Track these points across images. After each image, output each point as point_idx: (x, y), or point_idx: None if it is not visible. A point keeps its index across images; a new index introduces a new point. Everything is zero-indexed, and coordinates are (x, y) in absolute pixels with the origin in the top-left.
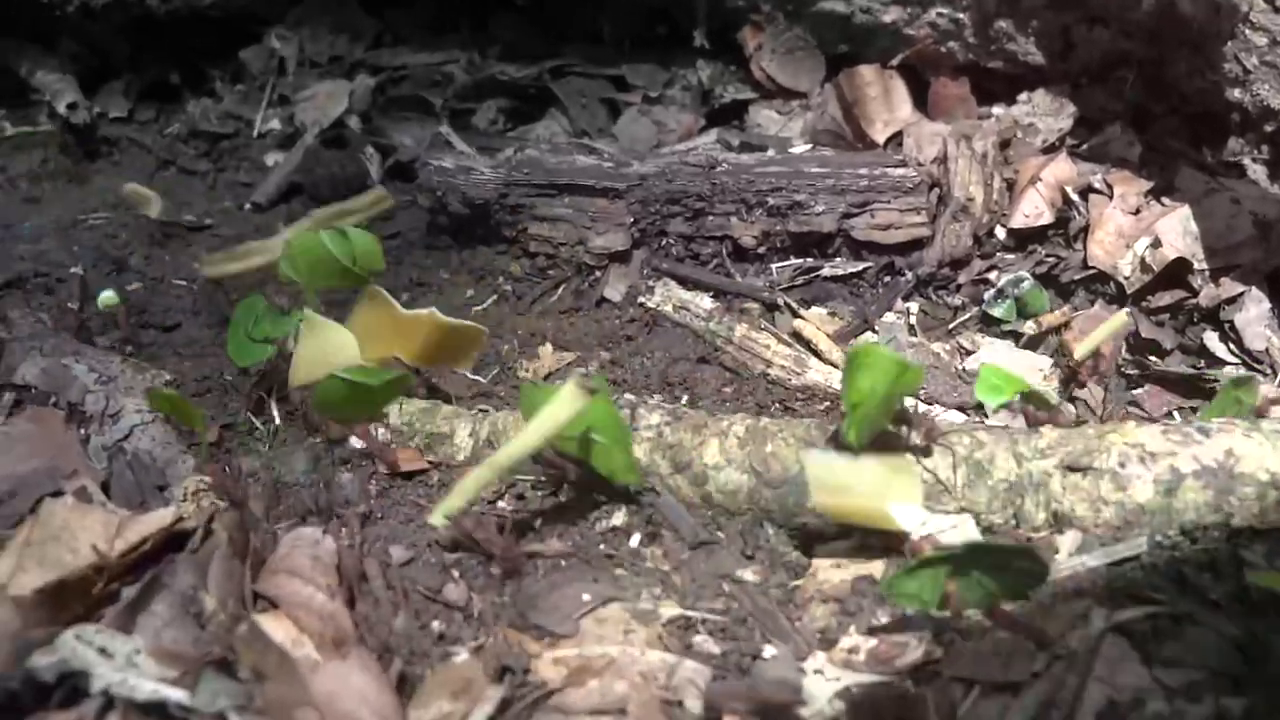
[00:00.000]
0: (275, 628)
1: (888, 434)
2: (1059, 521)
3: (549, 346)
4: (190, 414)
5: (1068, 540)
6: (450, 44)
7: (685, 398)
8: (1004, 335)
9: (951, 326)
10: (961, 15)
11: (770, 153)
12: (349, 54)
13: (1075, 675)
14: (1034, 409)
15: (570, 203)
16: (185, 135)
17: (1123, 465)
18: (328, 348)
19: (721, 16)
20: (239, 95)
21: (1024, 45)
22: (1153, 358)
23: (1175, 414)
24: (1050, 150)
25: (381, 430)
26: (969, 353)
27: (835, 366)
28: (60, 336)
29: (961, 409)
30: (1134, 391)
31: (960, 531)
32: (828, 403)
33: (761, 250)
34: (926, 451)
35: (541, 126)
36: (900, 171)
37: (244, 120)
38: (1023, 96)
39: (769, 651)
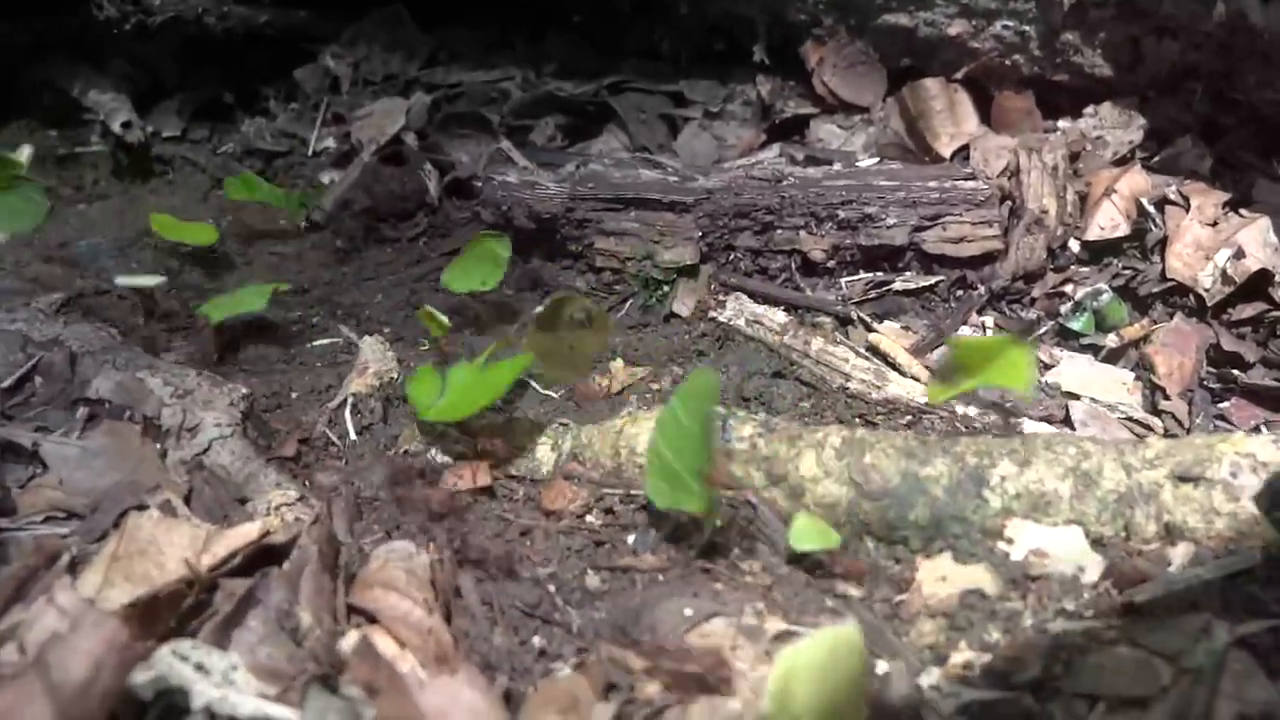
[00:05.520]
0: (377, 643)
1: None
2: (1171, 533)
3: (620, 362)
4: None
5: (1180, 552)
6: (505, 61)
7: (762, 413)
8: (1083, 349)
9: (1028, 340)
10: (1027, 28)
11: (837, 166)
12: (403, 72)
13: (1204, 690)
14: None
15: (637, 217)
16: (239, 154)
17: (1234, 475)
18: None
19: (782, 32)
20: (293, 114)
21: (1091, 58)
22: (1235, 371)
23: (1263, 428)
24: (1120, 163)
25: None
26: (1049, 366)
27: (917, 380)
28: (133, 350)
29: (1048, 421)
30: (1220, 405)
31: (1068, 543)
32: (910, 416)
33: (831, 264)
34: None
35: (600, 143)
36: (971, 184)
37: (298, 138)
38: (1089, 109)
39: (881, 667)
